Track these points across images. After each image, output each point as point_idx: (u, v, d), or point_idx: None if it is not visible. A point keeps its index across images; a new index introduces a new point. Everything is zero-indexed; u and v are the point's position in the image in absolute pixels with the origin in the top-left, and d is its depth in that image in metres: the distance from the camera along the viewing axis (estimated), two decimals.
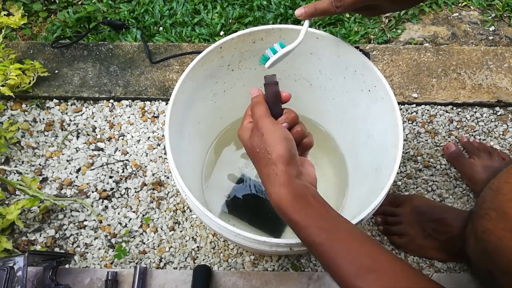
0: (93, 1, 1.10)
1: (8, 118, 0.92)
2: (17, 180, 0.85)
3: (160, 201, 0.85)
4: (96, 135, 0.92)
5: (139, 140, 0.91)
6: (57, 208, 0.84)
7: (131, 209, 0.85)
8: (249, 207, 0.82)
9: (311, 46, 0.70)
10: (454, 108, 0.96)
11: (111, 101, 0.95)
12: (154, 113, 0.94)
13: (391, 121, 0.64)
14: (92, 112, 0.94)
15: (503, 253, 0.47)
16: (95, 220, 0.83)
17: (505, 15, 1.10)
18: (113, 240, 0.82)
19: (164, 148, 0.90)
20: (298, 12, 0.60)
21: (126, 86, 0.96)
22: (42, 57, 0.99)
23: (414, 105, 0.96)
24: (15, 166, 0.87)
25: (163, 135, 0.92)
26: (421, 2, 0.56)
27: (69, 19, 1.06)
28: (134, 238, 0.82)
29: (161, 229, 0.83)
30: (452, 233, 0.76)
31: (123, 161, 0.89)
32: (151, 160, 0.89)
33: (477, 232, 0.51)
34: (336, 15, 0.58)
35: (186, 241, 0.82)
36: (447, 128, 0.94)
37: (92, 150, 0.90)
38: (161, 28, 1.07)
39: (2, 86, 0.89)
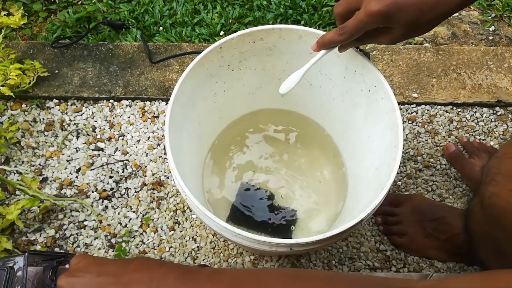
0: (93, 1, 1.10)
1: (8, 118, 0.92)
2: (17, 180, 0.85)
3: (160, 201, 0.85)
4: (96, 135, 0.92)
5: (139, 140, 0.91)
6: (57, 208, 0.84)
7: (131, 209, 0.85)
8: (252, 218, 0.81)
9: (311, 46, 0.70)
10: (454, 108, 0.96)
11: (111, 101, 0.95)
12: (154, 113, 0.94)
13: (391, 121, 0.64)
14: (92, 112, 0.94)
15: (510, 213, 0.47)
16: (95, 220, 0.83)
17: (505, 15, 1.10)
18: (113, 240, 0.82)
19: (164, 148, 0.90)
20: (312, 47, 0.63)
21: (126, 86, 0.96)
22: (42, 57, 0.99)
23: (414, 105, 0.96)
24: (15, 166, 0.87)
25: (163, 135, 0.92)
26: (432, 28, 0.57)
27: (69, 19, 1.06)
28: (134, 238, 0.82)
29: (161, 229, 0.83)
30: (452, 232, 0.76)
31: (123, 161, 0.89)
32: (151, 160, 0.89)
33: (484, 199, 0.51)
34: (344, 43, 0.59)
35: (186, 241, 0.82)
36: (447, 128, 0.94)
37: (92, 150, 0.90)
38: (161, 28, 1.07)
39: (2, 86, 0.89)
